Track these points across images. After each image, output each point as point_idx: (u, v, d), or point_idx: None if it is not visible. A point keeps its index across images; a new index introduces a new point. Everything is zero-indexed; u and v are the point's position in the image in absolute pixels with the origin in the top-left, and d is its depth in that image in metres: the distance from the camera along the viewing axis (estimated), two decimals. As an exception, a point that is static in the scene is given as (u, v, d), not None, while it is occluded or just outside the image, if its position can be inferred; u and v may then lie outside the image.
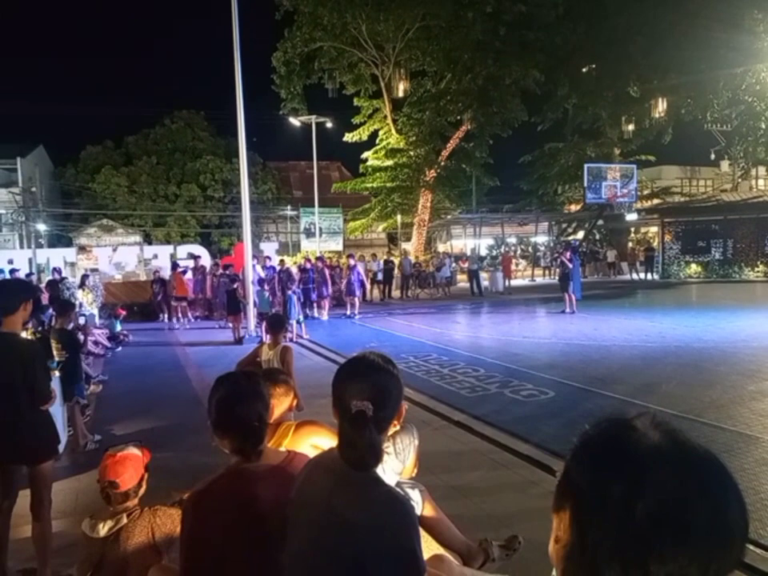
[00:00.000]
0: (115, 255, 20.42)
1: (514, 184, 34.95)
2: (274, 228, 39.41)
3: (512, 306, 17.95)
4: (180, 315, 16.08)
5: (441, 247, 33.83)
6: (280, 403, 2.61)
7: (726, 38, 20.93)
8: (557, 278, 18.48)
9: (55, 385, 4.29)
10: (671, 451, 0.71)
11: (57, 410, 4.76)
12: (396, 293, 22.17)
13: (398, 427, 1.60)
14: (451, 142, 27.34)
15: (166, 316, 16.46)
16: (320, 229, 27.97)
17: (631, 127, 26.84)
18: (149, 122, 38.29)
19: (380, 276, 21.36)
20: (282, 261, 17.28)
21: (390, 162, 27.04)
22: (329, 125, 26.50)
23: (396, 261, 23.09)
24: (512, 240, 35.71)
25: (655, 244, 27.85)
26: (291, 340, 11.52)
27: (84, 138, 38.27)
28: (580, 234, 31.28)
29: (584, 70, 26.73)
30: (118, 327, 13.07)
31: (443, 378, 8.31)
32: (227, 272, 15.19)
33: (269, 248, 23.79)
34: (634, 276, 26.57)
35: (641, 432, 0.73)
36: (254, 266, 14.40)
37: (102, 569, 2.31)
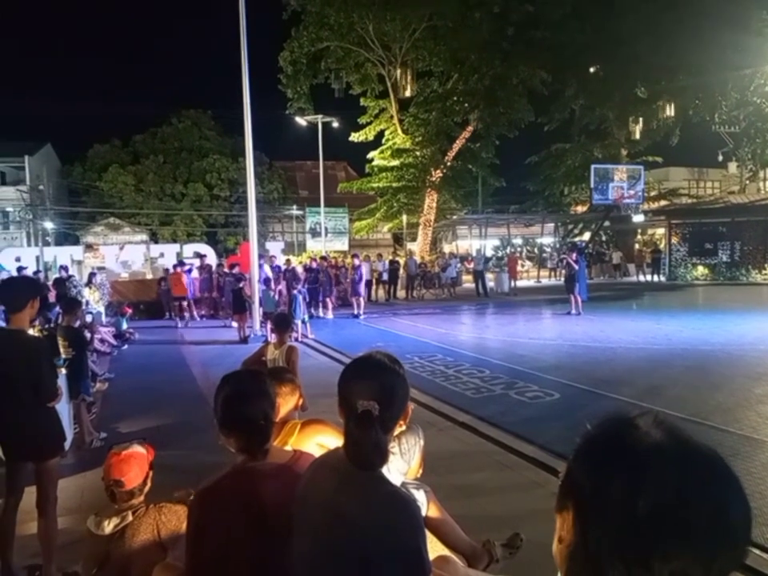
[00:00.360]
0: (122, 254, 20.53)
1: (520, 185, 34.94)
2: (279, 227, 39.49)
3: (517, 307, 17.91)
4: (180, 314, 16.08)
5: (446, 248, 33.80)
6: (286, 402, 2.61)
7: (734, 40, 20.81)
8: (562, 279, 18.43)
9: (61, 382, 4.31)
10: (673, 449, 0.71)
11: (63, 408, 4.78)
12: (401, 293, 22.16)
13: (403, 427, 1.60)
14: (457, 142, 27.31)
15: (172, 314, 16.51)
16: (326, 229, 27.99)
17: (639, 128, 26.72)
18: (156, 120, 38.47)
19: (385, 276, 21.37)
20: (288, 260, 17.30)
21: (396, 162, 27.04)
22: (335, 125, 26.53)
23: (401, 261, 23.08)
24: (518, 241, 35.64)
25: (662, 246, 27.73)
26: (296, 339, 11.53)
27: (91, 137, 38.39)
28: (586, 236, 31.19)
29: (591, 70, 26.63)
30: (125, 325, 13.13)
31: (448, 379, 8.30)
32: (233, 271, 15.21)
33: (274, 247, 23.86)
34: (641, 278, 26.47)
35: (642, 430, 0.72)
36: (261, 265, 14.42)
37: (107, 566, 2.32)
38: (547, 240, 33.94)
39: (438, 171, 27.06)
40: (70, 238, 33.35)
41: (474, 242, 33.30)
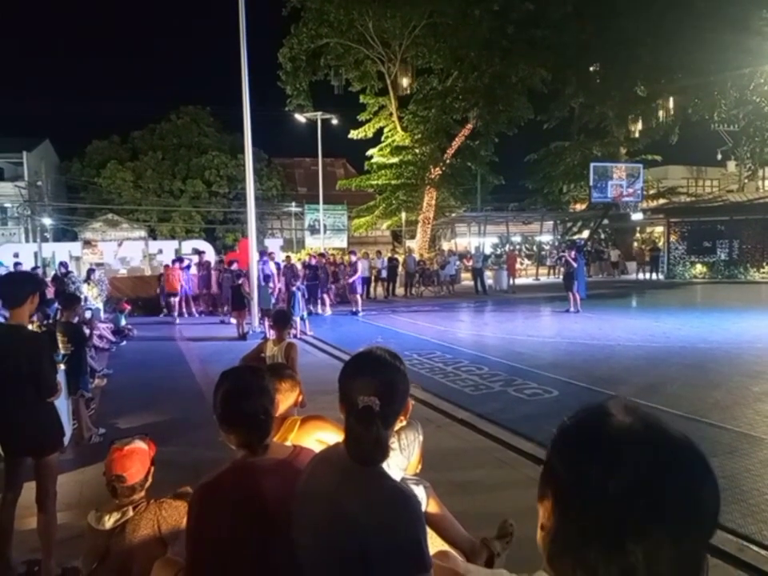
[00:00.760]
0: (120, 250, 20.52)
1: (520, 182, 34.91)
2: (278, 224, 39.44)
3: (516, 305, 17.93)
4: (173, 310, 16.07)
5: (445, 245, 33.81)
6: (285, 398, 2.61)
7: (733, 39, 20.79)
8: (561, 277, 18.44)
9: (60, 378, 4.31)
10: (643, 432, 0.73)
11: (62, 403, 4.78)
12: (400, 290, 22.17)
13: (404, 422, 1.60)
14: (457, 139, 27.29)
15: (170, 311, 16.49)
16: (324, 226, 27.97)
17: (638, 127, 26.72)
18: (155, 117, 38.38)
19: (384, 273, 21.37)
20: (287, 257, 17.29)
21: (395, 160, 27.02)
22: (334, 122, 26.49)
23: (400, 258, 23.08)
24: (516, 239, 35.64)
25: (660, 244, 27.76)
26: (295, 336, 11.53)
27: (90, 133, 38.33)
28: (585, 234, 31.20)
29: (591, 69, 26.61)
30: (123, 321, 13.12)
31: (447, 376, 8.31)
32: (231, 268, 15.20)
33: (273, 244, 23.81)
34: (639, 276, 26.50)
35: (614, 417, 0.76)
36: (266, 261, 14.40)
37: (107, 561, 2.32)
38: (546, 238, 33.94)
39: (437, 169, 27.05)
40: (68, 234, 33.33)
41: (473, 239, 33.29)
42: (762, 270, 23.80)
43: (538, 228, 33.38)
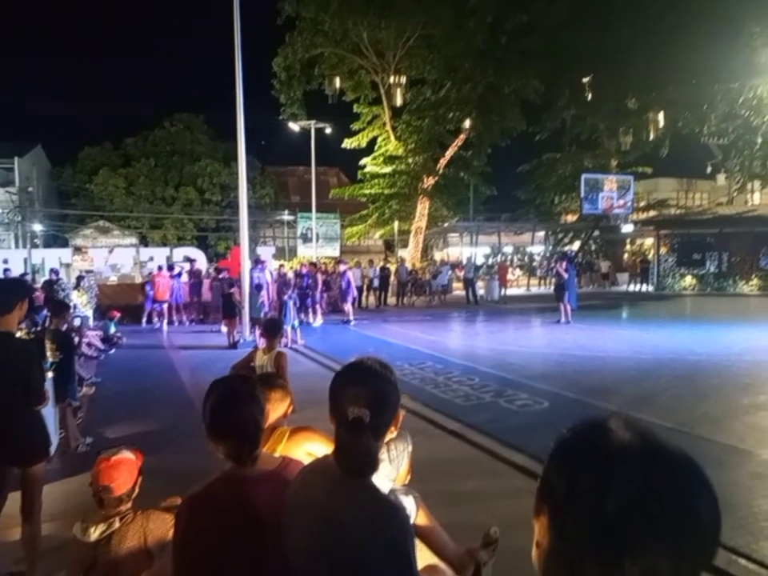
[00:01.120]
0: (111, 257, 20.39)
1: (512, 193, 35.13)
2: (271, 233, 39.40)
3: (507, 316, 17.97)
4: (156, 318, 15.96)
5: (437, 255, 33.90)
6: (275, 408, 2.59)
7: (723, 53, 21.07)
8: (552, 287, 18.52)
9: (48, 386, 4.27)
10: (640, 449, 0.72)
11: (49, 412, 4.72)
12: (392, 300, 22.16)
13: (394, 434, 1.60)
14: (450, 150, 27.44)
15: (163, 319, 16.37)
16: (317, 234, 27.97)
17: (629, 139, 26.97)
18: (148, 124, 38.33)
19: (376, 283, 21.37)
20: (281, 266, 17.25)
21: (388, 169, 27.12)
22: (328, 131, 26.60)
23: (392, 268, 23.10)
24: (508, 249, 35.79)
25: (650, 256, 27.96)
26: (286, 345, 11.49)
27: (82, 139, 38.30)
28: (576, 245, 31.38)
29: (584, 80, 26.88)
30: (113, 329, 13.02)
31: (438, 386, 8.30)
32: (221, 276, 15.15)
33: (265, 252, 23.76)
34: (630, 287, 26.65)
35: (612, 432, 0.74)
36: (262, 269, 14.34)
37: (93, 573, 2.29)
38: (537, 249, 34.11)
39: (430, 179, 27.16)
40: (58, 241, 33.07)
41: (465, 249, 33.41)
42: (750, 283, 24.01)
43: (530, 239, 33.56)
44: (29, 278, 16.59)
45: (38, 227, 32.55)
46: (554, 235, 33.78)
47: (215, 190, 36.20)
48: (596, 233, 29.64)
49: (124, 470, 2.38)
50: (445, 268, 23.42)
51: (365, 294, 21.27)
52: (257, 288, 13.44)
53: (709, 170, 33.51)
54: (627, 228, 28.39)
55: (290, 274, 16.27)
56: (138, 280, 19.40)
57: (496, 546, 2.39)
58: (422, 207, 27.52)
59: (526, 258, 34.41)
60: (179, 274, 16.81)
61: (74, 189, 35.36)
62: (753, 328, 13.69)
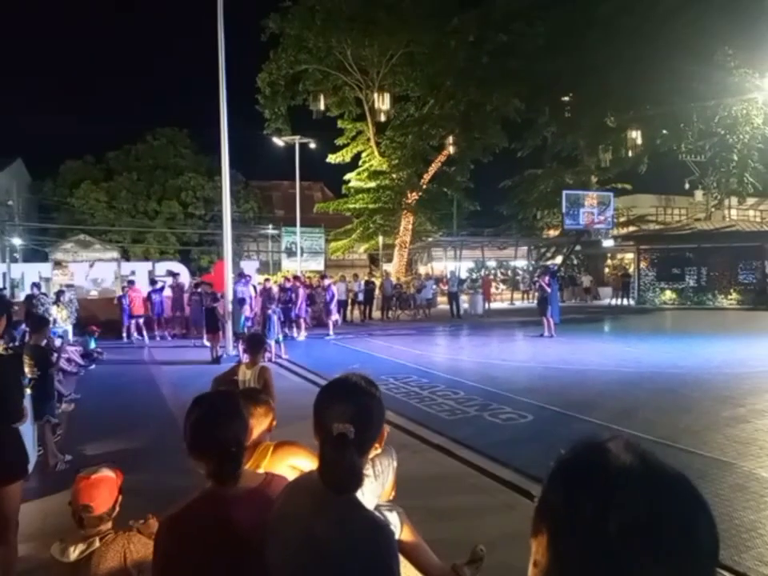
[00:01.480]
0: (92, 271, 20.13)
1: (494, 208, 35.48)
2: (255, 247, 39.22)
3: (491, 329, 18.05)
4: (135, 333, 15.84)
5: (422, 269, 34.00)
6: (259, 423, 2.57)
7: (698, 73, 21.64)
8: (536, 301, 18.66)
9: (26, 403, 4.18)
10: (641, 472, 0.72)
11: (27, 429, 4.63)
12: (377, 314, 22.16)
13: (379, 450, 1.60)
14: (433, 165, 27.70)
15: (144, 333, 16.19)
16: (301, 248, 27.94)
17: (608, 156, 27.46)
18: (131, 137, 38.10)
19: (361, 297, 21.36)
20: (266, 280, 17.19)
21: (372, 184, 27.27)
22: (312, 146, 26.65)
23: (377, 282, 23.13)
24: (492, 263, 36.03)
25: (631, 270, 28.33)
26: (270, 360, 11.40)
27: (64, 152, 37.81)
28: (558, 259, 31.70)
29: (563, 99, 27.38)
30: (93, 344, 12.83)
31: (423, 401, 8.29)
32: (198, 290, 15.09)
33: (249, 266, 23.65)
34: (612, 301, 26.95)
35: (613, 454, 0.74)
36: (246, 283, 14.30)
37: (70, 594, 2.23)
38: (521, 263, 34.38)
39: (414, 194, 27.36)
40: (38, 255, 32.61)
41: (449, 263, 33.55)
42: (729, 297, 24.41)
43: (513, 253, 33.82)
44: (6, 292, 16.29)
45: (17, 241, 32.05)
46: (537, 250, 34.12)
47: (198, 203, 36.02)
48: (578, 247, 30.00)
49: (104, 488, 2.33)
50: (429, 282, 23.50)
51: (350, 307, 21.24)
52: (240, 302, 13.36)
53: (687, 186, 34.22)
54: (608, 243, 28.78)
55: (275, 288, 16.20)
56: (119, 294, 19.15)
57: (480, 564, 2.39)
58: (406, 222, 27.68)
59: (510, 273, 34.66)
60: (161, 289, 16.66)
61: (55, 202, 34.95)
62: (732, 341, 13.90)
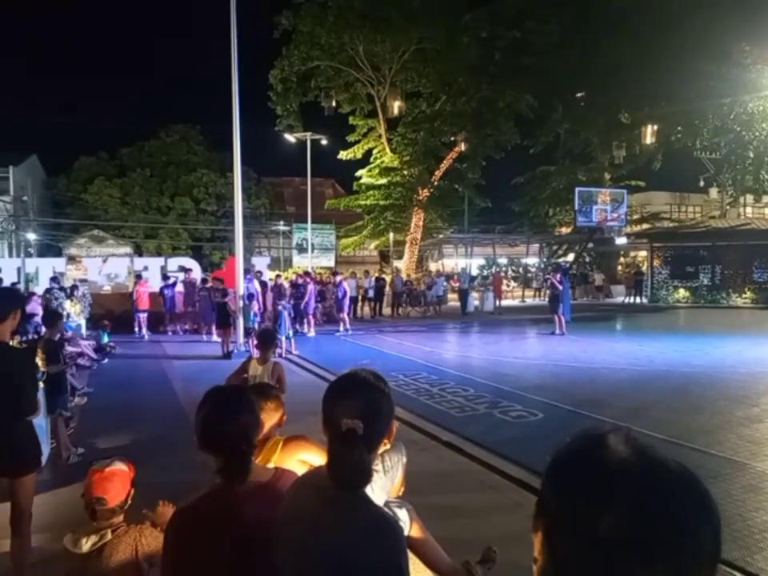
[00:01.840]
0: (105, 266, 20.29)
1: (506, 205, 35.31)
2: (266, 243, 39.36)
3: (502, 327, 17.99)
4: (140, 327, 15.92)
5: (432, 266, 33.94)
6: (270, 418, 2.58)
7: (714, 70, 21.38)
8: (547, 299, 18.57)
9: (40, 396, 4.23)
10: (639, 467, 0.69)
11: (40, 422, 4.68)
12: (387, 310, 22.16)
13: (388, 446, 1.59)
14: (444, 162, 27.60)
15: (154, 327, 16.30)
16: (312, 245, 27.99)
17: (622, 153, 27.23)
18: (144, 134, 38.34)
19: (371, 293, 21.37)
20: (277, 276, 17.24)
21: (383, 181, 27.23)
22: (324, 142, 26.67)
23: (387, 278, 23.12)
24: (503, 261, 35.90)
25: (644, 268, 28.10)
26: (280, 355, 11.45)
27: (78, 149, 38.09)
28: (570, 257, 31.51)
29: (577, 96, 27.16)
30: (105, 339, 12.95)
31: (432, 398, 8.29)
32: (206, 285, 15.19)
33: (261, 263, 23.74)
34: (625, 299, 26.76)
35: (611, 448, 0.71)
36: (250, 279, 14.37)
37: (82, 585, 2.26)
38: (532, 260, 34.23)
39: (425, 190, 27.29)
40: (52, 250, 32.95)
41: (460, 260, 33.49)
42: (743, 296, 24.14)
43: (524, 250, 33.69)
44: (21, 287, 16.48)
45: (32, 236, 32.42)
46: (549, 247, 33.93)
47: (211, 200, 36.21)
48: (590, 245, 29.78)
49: (117, 481, 2.35)
50: (440, 279, 23.46)
51: (360, 304, 21.25)
52: (248, 298, 13.43)
53: (701, 183, 33.88)
54: (621, 240, 28.55)
55: (286, 284, 16.25)
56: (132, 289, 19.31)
57: (492, 565, 2.38)
58: (417, 219, 27.62)
59: (521, 270, 34.51)
60: (174, 284, 16.77)
61: (69, 198, 35.29)
62: (746, 340, 13.75)
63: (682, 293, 25.29)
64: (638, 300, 25.93)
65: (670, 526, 0.66)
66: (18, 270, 19.77)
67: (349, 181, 30.13)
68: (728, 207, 30.88)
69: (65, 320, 10.27)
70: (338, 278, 16.90)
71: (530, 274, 32.35)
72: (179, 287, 16.91)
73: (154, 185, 36.09)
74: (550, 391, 8.45)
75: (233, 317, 12.93)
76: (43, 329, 7.13)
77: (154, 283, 17.32)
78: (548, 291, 18.06)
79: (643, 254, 30.36)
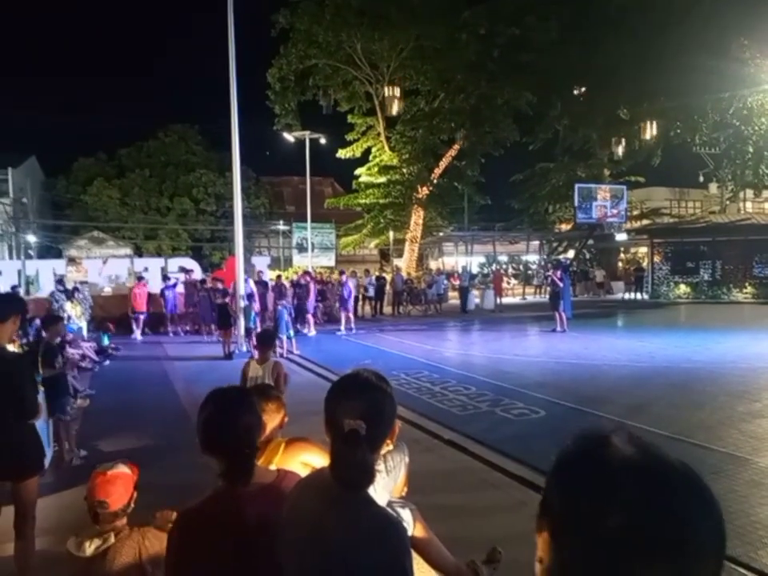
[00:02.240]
0: (105, 268, 20.29)
1: (506, 203, 35.32)
2: (266, 242, 39.37)
3: (503, 324, 17.98)
4: (135, 328, 15.91)
5: (432, 264, 33.94)
6: (271, 419, 2.58)
7: (713, 65, 21.34)
8: (547, 296, 18.56)
9: (41, 399, 4.23)
10: (643, 466, 0.70)
11: (42, 425, 4.68)
12: (388, 309, 22.15)
13: (390, 446, 1.59)
14: (444, 160, 27.57)
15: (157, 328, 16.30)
16: (312, 244, 27.98)
17: (621, 149, 27.20)
18: (142, 134, 38.35)
19: (371, 292, 21.36)
20: (278, 276, 17.23)
21: (382, 179, 27.20)
22: (322, 141, 26.65)
23: (388, 277, 23.11)
24: (503, 258, 35.87)
25: (644, 264, 28.08)
26: (281, 355, 11.45)
27: (77, 150, 38.18)
28: (570, 253, 31.49)
29: (575, 92, 27.13)
30: (106, 341, 12.95)
31: (434, 396, 8.29)
32: (206, 286, 15.20)
33: (261, 262, 23.73)
34: (625, 295, 26.74)
35: (615, 447, 0.72)
36: (246, 279, 14.34)
37: (86, 589, 2.25)
38: (532, 257, 34.20)
39: (425, 188, 27.27)
40: (52, 252, 32.97)
41: (460, 258, 33.47)
42: (744, 291, 24.12)
43: (525, 248, 33.64)
44: (21, 290, 16.48)
45: (31, 238, 32.44)
46: (549, 244, 33.89)
47: (210, 200, 36.22)
48: (590, 241, 29.77)
49: (120, 484, 2.35)
50: (440, 277, 23.45)
51: (360, 303, 21.25)
52: (248, 298, 13.42)
53: (701, 179, 33.86)
54: (621, 237, 28.53)
55: (287, 284, 16.24)
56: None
57: (498, 565, 2.38)
58: (417, 217, 27.60)
59: (521, 267, 34.50)
60: (174, 285, 16.77)
61: (68, 200, 35.31)
62: (747, 336, 13.74)
63: (683, 288, 25.28)
64: (638, 296, 25.91)
65: (676, 523, 0.66)
66: (19, 272, 19.77)
67: (348, 179, 30.15)
68: (728, 202, 30.83)
69: (66, 322, 10.26)
70: (344, 277, 16.88)
71: (530, 272, 32.33)
72: (180, 288, 16.90)
73: (153, 185, 36.10)
74: (551, 388, 8.45)
75: (233, 317, 12.93)
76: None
77: (155, 284, 17.30)
78: (548, 288, 18.04)
79: (643, 249, 30.34)
